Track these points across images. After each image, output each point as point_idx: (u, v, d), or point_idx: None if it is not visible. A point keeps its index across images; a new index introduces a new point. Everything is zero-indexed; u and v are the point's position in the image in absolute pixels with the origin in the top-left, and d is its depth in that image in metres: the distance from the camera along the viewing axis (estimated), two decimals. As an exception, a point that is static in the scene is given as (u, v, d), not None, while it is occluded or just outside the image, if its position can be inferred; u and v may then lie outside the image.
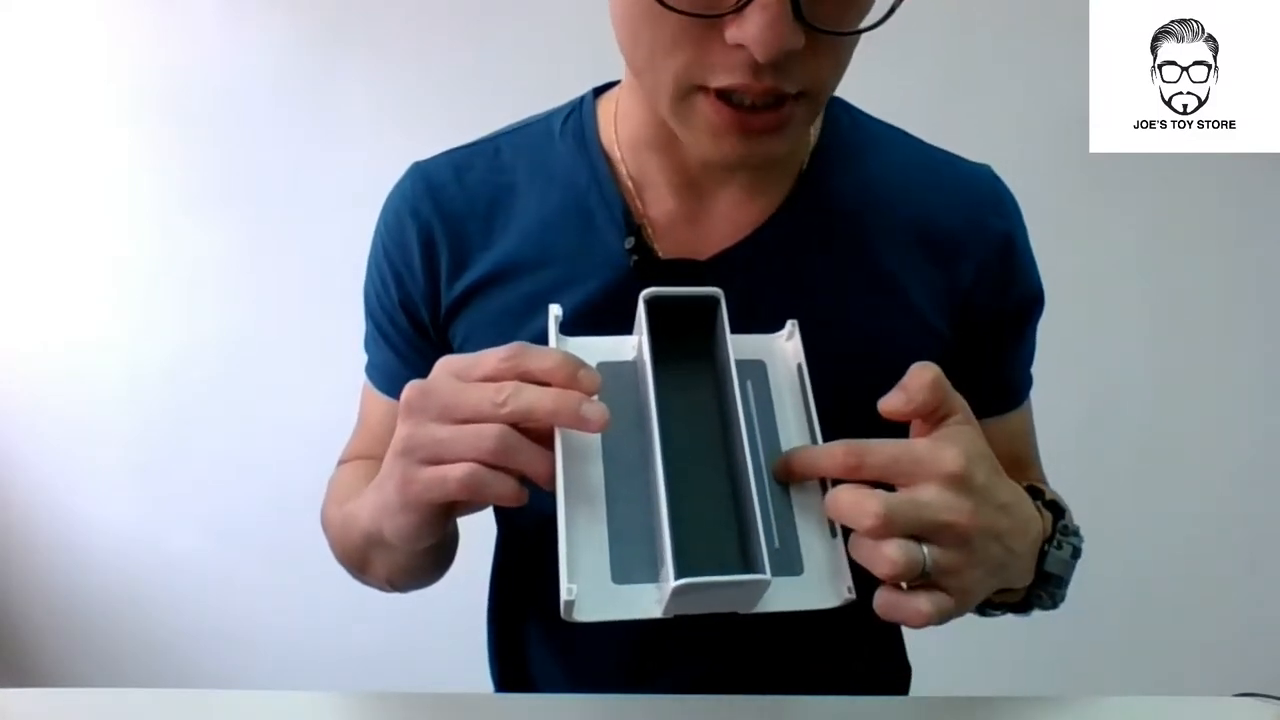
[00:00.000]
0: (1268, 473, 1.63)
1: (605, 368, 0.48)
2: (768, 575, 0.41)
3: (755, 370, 0.51)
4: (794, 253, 0.63)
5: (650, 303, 0.48)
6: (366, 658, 1.74)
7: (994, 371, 0.72)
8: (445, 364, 0.47)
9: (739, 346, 0.49)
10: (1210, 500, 1.64)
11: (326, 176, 1.56)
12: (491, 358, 0.46)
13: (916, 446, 0.46)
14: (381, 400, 0.74)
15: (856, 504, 0.43)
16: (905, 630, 0.83)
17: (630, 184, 0.65)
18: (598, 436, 0.47)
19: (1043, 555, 0.54)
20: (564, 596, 0.42)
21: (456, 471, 0.45)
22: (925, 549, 0.44)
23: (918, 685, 0.84)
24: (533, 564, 0.75)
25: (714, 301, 0.48)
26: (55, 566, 1.76)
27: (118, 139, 1.59)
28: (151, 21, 1.55)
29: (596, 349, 0.50)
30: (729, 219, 0.64)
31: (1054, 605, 0.58)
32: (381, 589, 0.69)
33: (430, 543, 0.52)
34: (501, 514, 0.78)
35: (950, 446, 0.45)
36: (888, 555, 0.43)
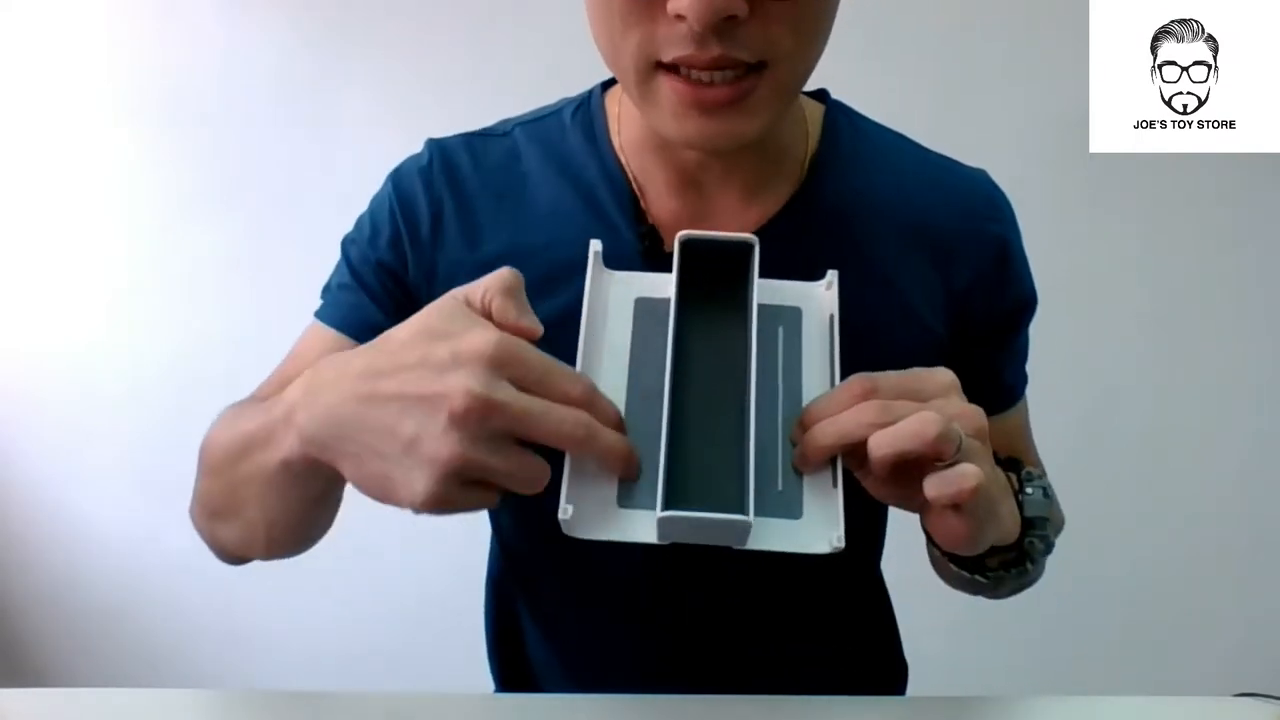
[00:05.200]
0: (1268, 473, 1.63)
1: (643, 303, 0.51)
2: (749, 517, 0.43)
3: (791, 316, 0.52)
4: (794, 254, 0.64)
5: (685, 245, 0.49)
6: (366, 658, 1.74)
7: (990, 372, 0.72)
8: (520, 344, 0.44)
9: (779, 292, 0.51)
10: (1210, 500, 1.64)
11: (326, 177, 1.56)
12: (575, 383, 0.45)
13: (915, 370, 0.49)
14: (331, 335, 0.68)
15: (920, 419, 0.44)
16: (902, 627, 0.83)
17: (635, 183, 0.65)
18: (624, 369, 0.49)
19: (1021, 505, 0.57)
20: (560, 515, 0.44)
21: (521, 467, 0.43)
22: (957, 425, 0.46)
23: (916, 685, 0.84)
24: (529, 566, 0.75)
25: (748, 248, 0.49)
26: (55, 566, 1.76)
27: (117, 139, 1.59)
28: (151, 21, 1.55)
29: (639, 283, 0.52)
30: (730, 221, 0.65)
31: (1047, 550, 0.59)
32: (237, 552, 0.60)
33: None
34: (495, 522, 0.78)
35: (940, 370, 0.49)
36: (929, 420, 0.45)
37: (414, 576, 1.69)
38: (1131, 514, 1.64)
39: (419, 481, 0.42)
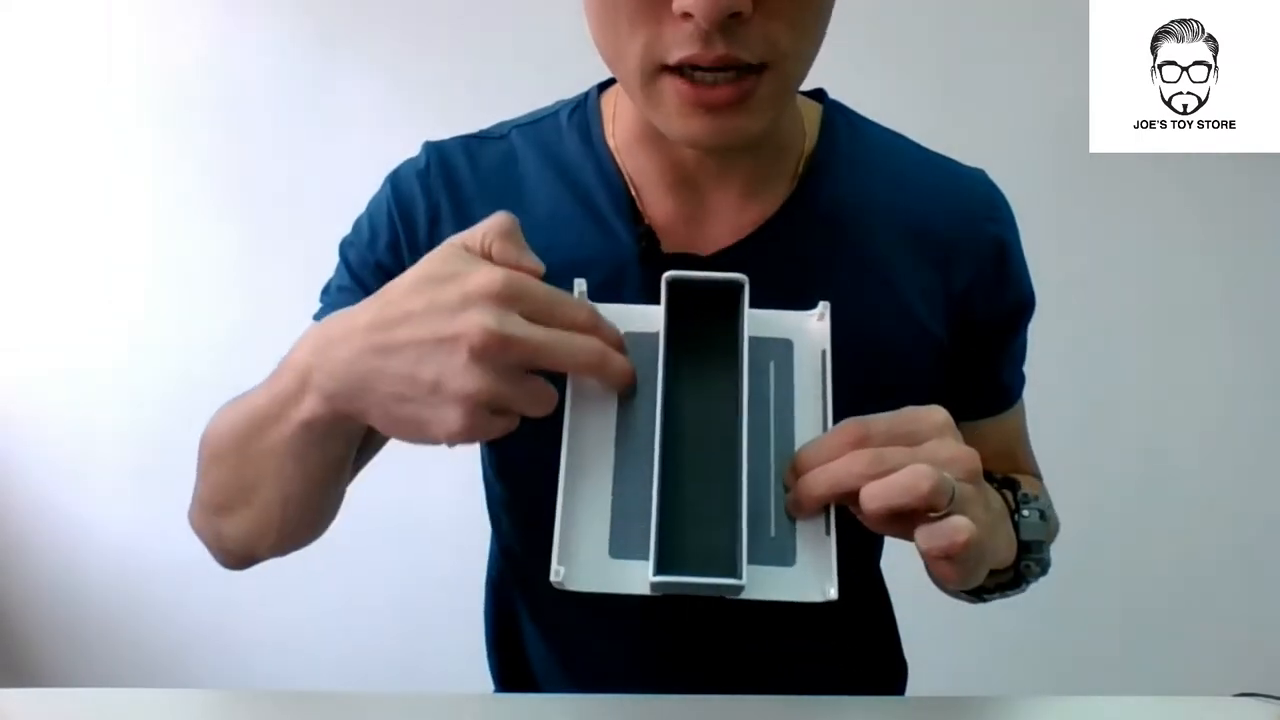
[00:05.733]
0: (1267, 473, 1.63)
1: (632, 337, 0.49)
2: (742, 580, 0.43)
3: (781, 349, 0.51)
4: (792, 255, 0.64)
5: (673, 285, 0.49)
6: (366, 658, 1.74)
7: (988, 374, 0.73)
8: (525, 278, 0.46)
9: (769, 324, 0.50)
10: (1210, 500, 1.64)
11: (326, 177, 1.56)
12: (582, 310, 0.47)
13: (908, 411, 0.48)
14: None
15: (912, 473, 0.44)
16: (902, 628, 0.83)
17: (631, 183, 0.65)
18: (612, 411, 0.48)
19: (1017, 527, 0.58)
20: (552, 577, 0.44)
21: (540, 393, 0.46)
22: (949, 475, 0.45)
23: (915, 685, 0.84)
24: (529, 567, 0.75)
25: (738, 287, 0.49)
26: (55, 567, 1.76)
27: (117, 139, 1.59)
28: (151, 22, 1.55)
29: (627, 316, 0.50)
30: (727, 220, 0.64)
31: (1043, 571, 0.60)
32: (244, 546, 0.60)
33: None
34: (495, 524, 0.78)
35: (934, 409, 0.49)
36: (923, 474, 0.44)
37: (413, 577, 1.69)
38: (1132, 514, 1.64)
39: (452, 419, 0.44)
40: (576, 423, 0.47)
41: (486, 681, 0.83)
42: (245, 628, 1.77)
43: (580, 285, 0.51)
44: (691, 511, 0.46)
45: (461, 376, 0.43)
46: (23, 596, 1.77)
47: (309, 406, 0.49)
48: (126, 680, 1.77)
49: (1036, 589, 0.66)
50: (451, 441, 0.45)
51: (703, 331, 0.50)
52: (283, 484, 0.54)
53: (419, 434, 0.46)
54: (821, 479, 0.46)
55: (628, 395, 0.48)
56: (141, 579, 1.76)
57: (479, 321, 0.43)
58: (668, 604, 0.70)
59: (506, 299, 0.44)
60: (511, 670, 0.81)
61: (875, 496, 0.44)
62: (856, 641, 0.79)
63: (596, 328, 0.47)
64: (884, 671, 0.82)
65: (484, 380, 0.43)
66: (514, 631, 0.80)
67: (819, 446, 0.47)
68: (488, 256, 0.46)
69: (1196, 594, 1.67)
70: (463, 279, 0.44)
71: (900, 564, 0.79)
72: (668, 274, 0.49)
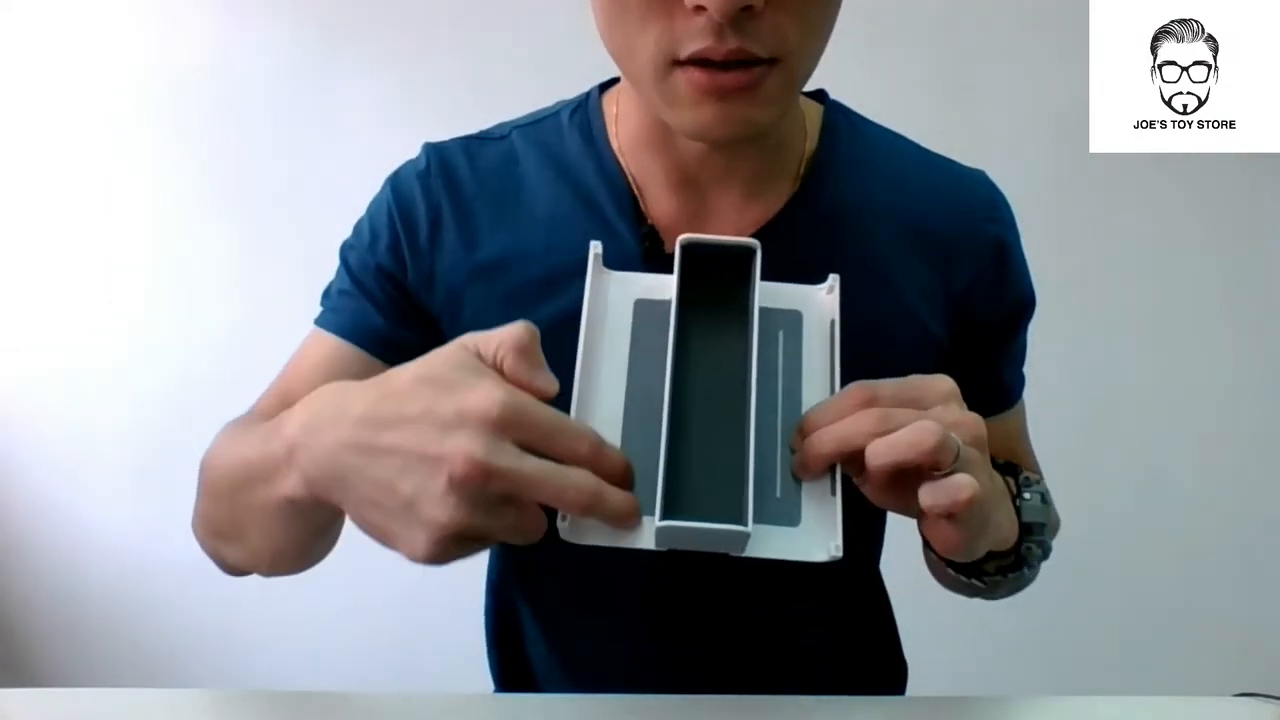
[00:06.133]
0: (1268, 473, 1.63)
1: (642, 305, 0.50)
2: (747, 528, 0.43)
3: (791, 320, 0.51)
4: (793, 255, 0.64)
5: (687, 249, 0.49)
6: (367, 658, 1.74)
7: (989, 374, 0.73)
8: (526, 402, 0.43)
9: (779, 295, 0.51)
10: (1210, 500, 1.64)
11: (326, 177, 1.57)
12: (582, 441, 0.44)
13: (915, 378, 0.48)
14: (332, 342, 0.68)
15: (917, 429, 0.44)
16: (902, 628, 0.83)
17: (634, 183, 0.65)
18: (622, 374, 0.49)
19: (1019, 510, 0.58)
20: (559, 520, 0.44)
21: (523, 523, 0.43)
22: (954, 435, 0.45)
23: (915, 685, 0.84)
24: (528, 564, 0.75)
25: (750, 252, 0.49)
26: (55, 567, 1.76)
27: (117, 139, 1.59)
28: (151, 23, 1.55)
29: (639, 285, 0.51)
30: (729, 221, 0.65)
31: (1044, 555, 0.60)
32: (240, 569, 0.60)
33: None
34: None
35: (940, 377, 0.49)
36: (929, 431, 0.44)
37: (413, 576, 1.69)
38: (1131, 514, 1.64)
39: (418, 542, 0.42)
40: (586, 384, 0.48)
41: (486, 681, 0.83)
42: (245, 628, 1.77)
43: (596, 247, 0.51)
44: (698, 472, 0.46)
45: (436, 504, 0.40)
46: (23, 596, 1.77)
47: (291, 485, 0.47)
48: (126, 680, 1.77)
49: (1036, 589, 0.66)
50: (414, 562, 0.43)
51: (714, 301, 0.50)
52: (269, 539, 0.54)
53: (385, 542, 0.44)
54: (828, 437, 0.46)
55: (640, 385, 0.49)
56: (141, 579, 1.76)
57: (465, 449, 0.40)
58: (668, 592, 0.70)
59: (502, 425, 0.40)
60: (511, 670, 0.81)
61: (881, 453, 0.44)
62: (856, 638, 0.79)
63: (598, 458, 0.43)
64: (884, 671, 0.82)
65: (458, 512, 0.40)
66: (514, 631, 0.80)
67: (826, 408, 0.47)
68: (498, 369, 0.43)
69: (1196, 594, 1.67)
70: (463, 393, 0.41)
71: (900, 564, 0.79)
72: (683, 237, 0.49)
